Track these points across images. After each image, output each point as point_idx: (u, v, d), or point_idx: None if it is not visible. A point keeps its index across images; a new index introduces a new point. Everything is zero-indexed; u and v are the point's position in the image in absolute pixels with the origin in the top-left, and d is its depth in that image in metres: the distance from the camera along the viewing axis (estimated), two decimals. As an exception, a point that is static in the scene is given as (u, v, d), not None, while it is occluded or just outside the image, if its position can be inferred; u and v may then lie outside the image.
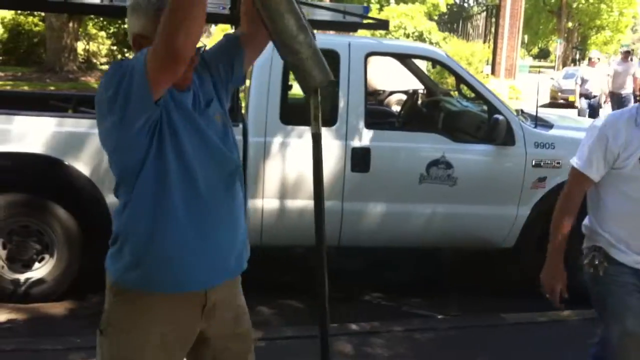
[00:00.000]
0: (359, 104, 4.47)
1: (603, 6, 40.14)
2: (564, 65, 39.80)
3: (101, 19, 20.98)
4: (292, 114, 4.54)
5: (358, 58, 4.48)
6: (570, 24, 42.26)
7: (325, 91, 5.04)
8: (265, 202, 4.39)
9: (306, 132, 4.49)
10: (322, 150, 1.88)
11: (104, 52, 22.91)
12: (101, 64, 22.24)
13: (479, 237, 4.61)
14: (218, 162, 1.83)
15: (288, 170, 4.41)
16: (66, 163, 4.17)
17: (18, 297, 4.28)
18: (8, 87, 14.51)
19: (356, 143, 4.45)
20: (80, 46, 20.28)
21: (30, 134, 4.17)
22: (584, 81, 12.74)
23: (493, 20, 23.72)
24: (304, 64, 1.78)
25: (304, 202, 4.39)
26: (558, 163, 4.54)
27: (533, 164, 4.53)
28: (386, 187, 4.51)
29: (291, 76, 4.71)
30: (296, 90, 4.96)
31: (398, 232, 4.56)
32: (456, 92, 5.43)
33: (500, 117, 4.42)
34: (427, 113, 5.12)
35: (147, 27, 1.74)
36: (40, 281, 4.29)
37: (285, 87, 4.49)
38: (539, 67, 45.10)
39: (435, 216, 4.54)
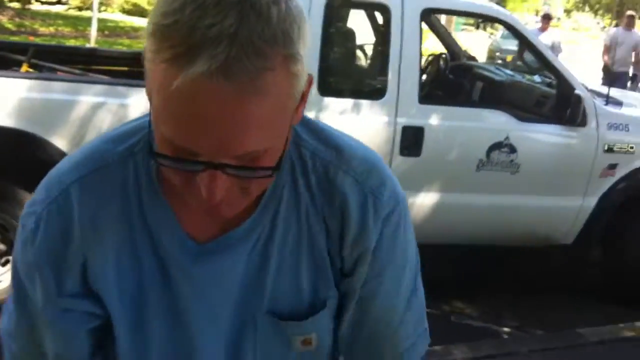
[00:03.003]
0: (412, 72, 3.64)
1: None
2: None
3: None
4: (330, 84, 3.69)
5: (413, 15, 3.62)
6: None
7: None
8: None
9: (346, 104, 3.65)
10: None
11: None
12: (10, 1, 20.05)
13: (537, 232, 3.95)
14: None
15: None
16: (41, 138, 3.18)
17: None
18: None
19: (408, 120, 3.64)
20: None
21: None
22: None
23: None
24: None
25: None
26: (632, 148, 3.92)
27: (605, 148, 3.87)
28: (439, 175, 3.76)
29: (335, 39, 3.81)
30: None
31: (447, 228, 3.84)
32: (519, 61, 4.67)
33: (582, 94, 3.73)
34: (470, 84, 4.33)
35: None
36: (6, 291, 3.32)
37: (327, 51, 3.60)
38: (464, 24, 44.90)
39: (492, 209, 3.84)
